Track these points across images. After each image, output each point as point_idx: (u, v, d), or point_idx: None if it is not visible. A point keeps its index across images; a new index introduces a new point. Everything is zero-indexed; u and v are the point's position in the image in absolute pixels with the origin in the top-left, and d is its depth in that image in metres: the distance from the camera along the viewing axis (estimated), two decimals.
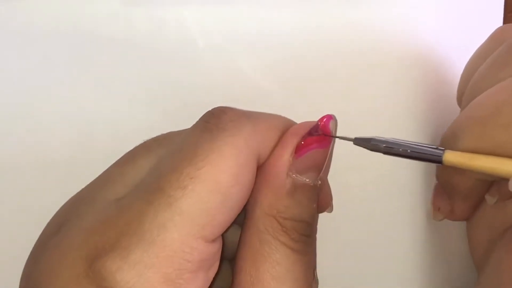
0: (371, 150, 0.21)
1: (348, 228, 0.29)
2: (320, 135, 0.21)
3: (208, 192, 0.18)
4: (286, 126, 0.21)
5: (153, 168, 0.19)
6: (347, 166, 0.28)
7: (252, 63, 0.27)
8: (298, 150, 0.20)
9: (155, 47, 0.26)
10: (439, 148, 0.21)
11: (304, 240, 0.20)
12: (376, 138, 0.21)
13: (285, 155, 0.20)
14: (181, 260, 0.17)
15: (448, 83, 0.30)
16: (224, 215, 0.18)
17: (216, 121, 0.19)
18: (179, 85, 0.26)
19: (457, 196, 0.25)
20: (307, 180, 0.20)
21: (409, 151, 0.21)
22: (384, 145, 0.21)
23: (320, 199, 0.22)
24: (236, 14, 0.26)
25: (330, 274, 0.28)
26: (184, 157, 0.18)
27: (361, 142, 0.21)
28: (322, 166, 0.21)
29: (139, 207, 0.18)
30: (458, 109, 0.26)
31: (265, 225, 0.20)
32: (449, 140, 0.23)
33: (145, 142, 0.21)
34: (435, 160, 0.21)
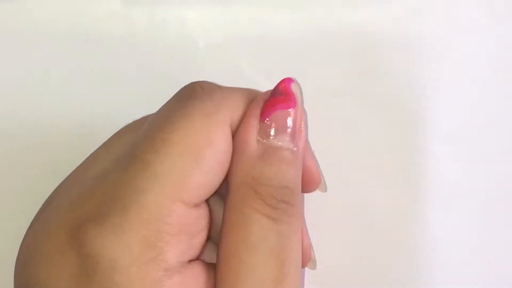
0: None
1: (348, 228, 0.29)
2: (282, 96, 0.20)
3: (179, 154, 0.18)
4: (255, 96, 0.21)
5: (130, 142, 0.19)
6: (347, 166, 0.28)
7: (252, 63, 0.27)
8: (263, 113, 0.20)
9: (155, 47, 0.26)
10: None
11: (283, 207, 0.19)
12: None
13: (251, 121, 0.20)
14: (160, 223, 0.17)
15: None
16: (200, 178, 0.18)
17: (189, 91, 0.20)
18: (179, 85, 0.26)
19: None
20: (279, 143, 0.20)
21: None
22: None
23: (304, 173, 0.21)
24: (236, 14, 0.26)
25: (330, 274, 0.28)
26: (156, 124, 0.19)
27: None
28: (294, 128, 0.20)
29: (116, 174, 0.18)
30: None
31: (240, 194, 0.19)
32: None
33: (131, 122, 0.22)
34: None
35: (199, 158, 0.18)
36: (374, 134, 0.28)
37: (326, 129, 0.26)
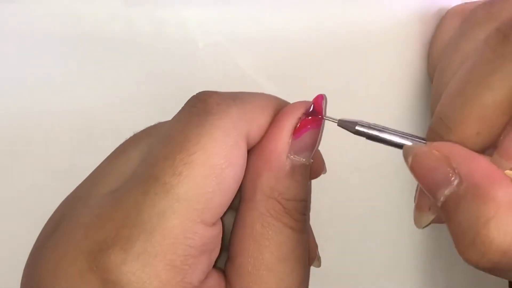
0: (355, 133, 0.21)
1: (347, 228, 0.29)
2: (314, 115, 0.21)
3: (203, 177, 0.18)
4: (277, 105, 0.21)
5: (145, 158, 0.19)
6: (346, 166, 0.28)
7: (252, 63, 0.27)
8: (296, 131, 0.20)
9: (155, 47, 0.26)
10: (423, 140, 0.20)
11: (303, 219, 0.20)
12: (361, 122, 0.21)
13: (285, 138, 0.20)
14: (184, 246, 0.17)
15: None
16: (221, 198, 0.18)
17: (203, 105, 0.19)
18: (179, 85, 0.26)
19: None
20: (303, 160, 0.20)
21: (391, 139, 0.20)
22: (367, 130, 0.21)
23: (313, 167, 0.22)
24: (236, 14, 0.26)
25: (330, 274, 0.28)
26: (175, 143, 0.18)
27: (345, 124, 0.21)
28: (315, 145, 0.21)
29: (135, 197, 0.18)
30: None
31: (267, 208, 0.20)
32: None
33: (134, 134, 0.21)
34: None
35: (220, 179, 0.18)
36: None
37: (325, 129, 0.26)
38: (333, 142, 0.25)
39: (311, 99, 0.21)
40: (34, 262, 0.19)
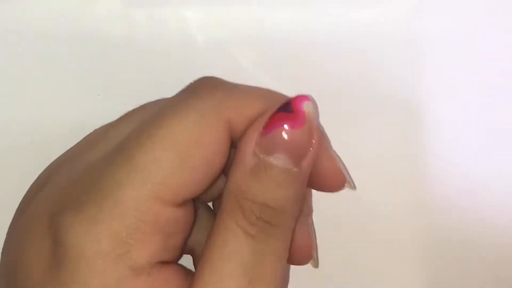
0: None
1: (347, 228, 0.29)
2: (289, 113, 0.19)
3: (163, 150, 0.17)
4: (273, 99, 0.20)
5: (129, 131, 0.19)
6: (347, 166, 0.28)
7: (252, 63, 0.27)
8: (265, 127, 0.19)
9: (155, 47, 0.26)
10: None
11: (263, 226, 0.18)
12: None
13: (252, 133, 0.19)
14: (134, 219, 0.17)
15: None
16: (183, 177, 0.18)
17: (192, 87, 0.19)
18: (178, 85, 0.26)
19: None
20: (275, 161, 0.18)
21: None
22: None
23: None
24: (236, 14, 0.26)
25: (330, 274, 0.28)
26: (151, 119, 0.18)
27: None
28: (297, 149, 0.19)
29: (102, 166, 0.18)
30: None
31: (226, 204, 0.19)
32: None
33: (144, 104, 0.21)
34: None
35: (184, 157, 0.17)
36: (374, 134, 0.28)
37: (325, 129, 0.26)
38: (332, 142, 0.25)
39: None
40: (13, 222, 0.20)
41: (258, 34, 0.26)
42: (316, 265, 0.24)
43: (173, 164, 0.17)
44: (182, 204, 0.18)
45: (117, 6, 0.25)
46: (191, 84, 0.20)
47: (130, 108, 0.26)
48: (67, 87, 0.26)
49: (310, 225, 0.23)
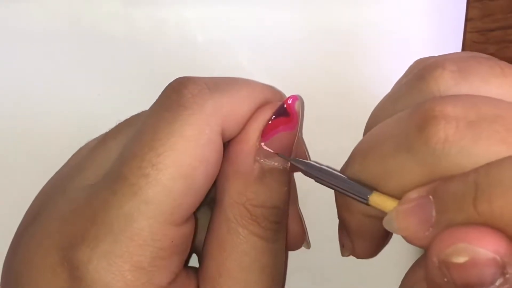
0: (305, 174, 0.19)
1: None
2: (286, 116, 0.20)
3: (171, 179, 0.17)
4: (262, 95, 0.20)
5: (121, 152, 0.19)
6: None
7: (252, 63, 0.27)
8: (265, 134, 0.19)
9: (155, 47, 0.26)
10: (368, 188, 0.18)
11: (274, 227, 0.19)
12: (313, 164, 0.19)
13: (251, 140, 0.19)
14: (153, 248, 0.17)
15: None
16: (191, 198, 0.18)
17: (177, 97, 0.18)
18: None
19: (351, 233, 0.21)
20: (276, 163, 0.19)
21: (337, 186, 0.18)
22: (316, 175, 0.19)
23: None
24: (236, 14, 0.26)
25: (331, 273, 0.28)
26: (144, 142, 0.18)
27: (297, 162, 0.20)
28: (290, 149, 0.20)
29: (105, 196, 0.18)
30: None
31: (234, 214, 0.19)
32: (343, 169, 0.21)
33: (117, 124, 0.21)
34: (362, 200, 0.18)
35: (191, 180, 0.18)
36: None
37: (325, 129, 0.26)
38: (332, 142, 0.25)
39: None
40: (13, 253, 0.19)
41: (258, 34, 0.26)
42: (308, 246, 0.24)
43: (182, 191, 0.18)
44: (190, 218, 0.19)
45: (117, 6, 0.26)
46: (170, 90, 0.19)
47: (129, 108, 0.26)
48: (67, 86, 0.26)
49: (299, 212, 0.24)
